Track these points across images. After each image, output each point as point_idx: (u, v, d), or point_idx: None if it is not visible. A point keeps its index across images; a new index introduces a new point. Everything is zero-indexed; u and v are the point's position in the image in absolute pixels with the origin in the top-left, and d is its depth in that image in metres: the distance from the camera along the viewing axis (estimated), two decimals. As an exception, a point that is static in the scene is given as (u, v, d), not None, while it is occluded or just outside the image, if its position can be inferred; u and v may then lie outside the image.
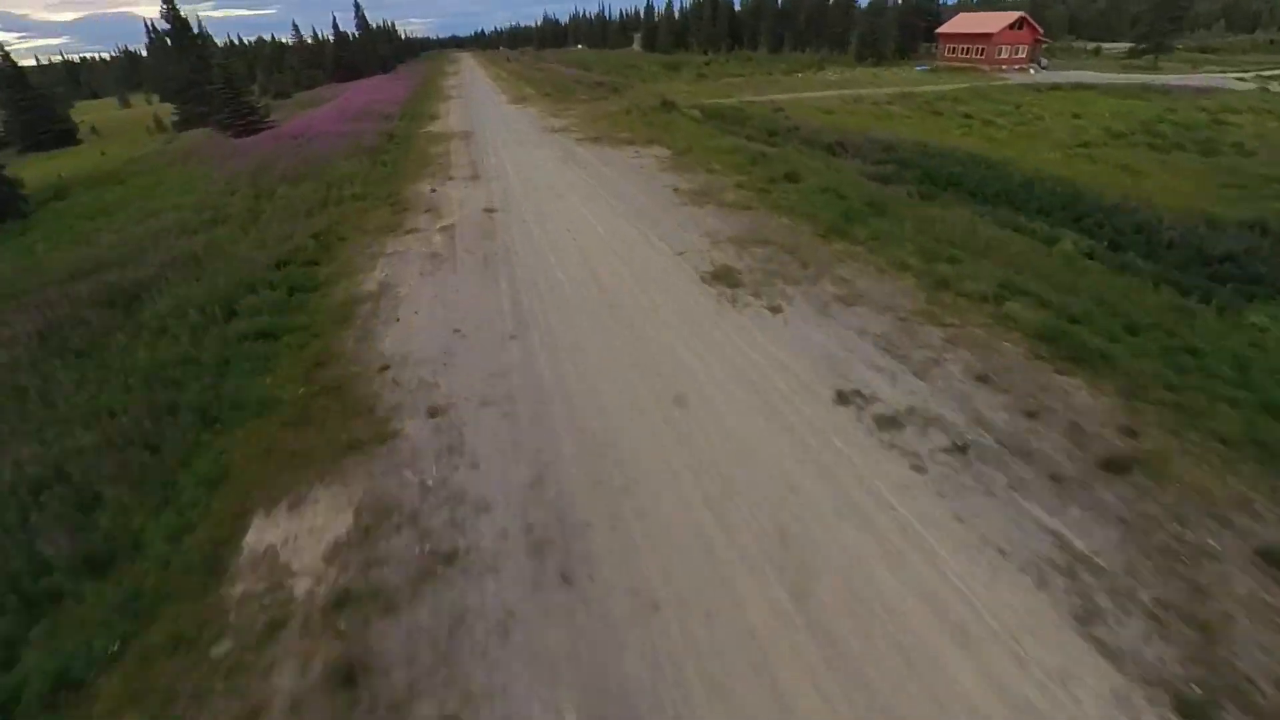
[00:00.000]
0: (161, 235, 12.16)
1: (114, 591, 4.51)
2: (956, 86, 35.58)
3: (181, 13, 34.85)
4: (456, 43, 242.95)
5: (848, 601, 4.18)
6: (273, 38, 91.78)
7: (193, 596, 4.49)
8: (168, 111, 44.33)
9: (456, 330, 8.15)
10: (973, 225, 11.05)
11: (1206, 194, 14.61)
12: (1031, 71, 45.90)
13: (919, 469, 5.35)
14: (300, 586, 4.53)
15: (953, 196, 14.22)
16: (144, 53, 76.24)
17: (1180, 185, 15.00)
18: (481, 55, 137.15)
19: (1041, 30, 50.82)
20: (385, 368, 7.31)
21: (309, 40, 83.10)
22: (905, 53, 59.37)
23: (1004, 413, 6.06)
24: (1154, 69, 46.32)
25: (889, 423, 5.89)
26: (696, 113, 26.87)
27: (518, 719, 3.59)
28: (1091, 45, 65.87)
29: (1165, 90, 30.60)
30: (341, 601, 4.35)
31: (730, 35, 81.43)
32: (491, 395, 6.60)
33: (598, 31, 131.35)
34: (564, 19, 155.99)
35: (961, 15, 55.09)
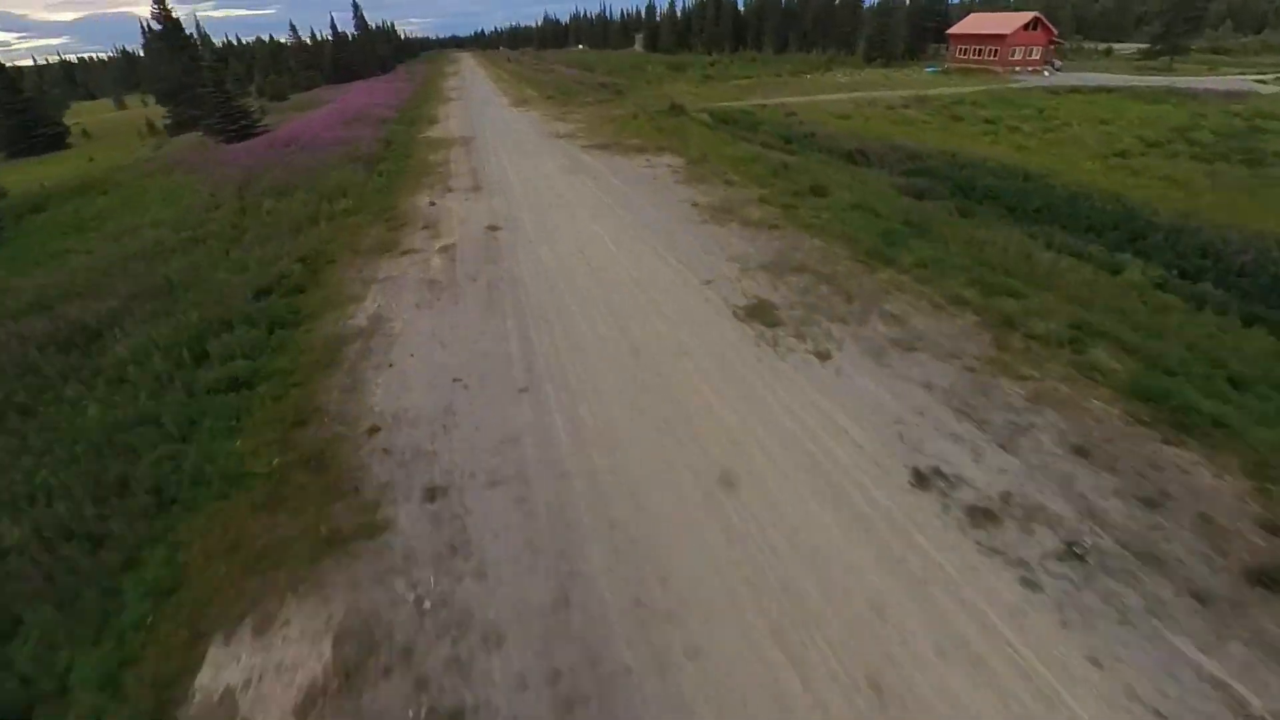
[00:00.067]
0: (135, 258, 11.12)
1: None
2: (972, 89, 34.55)
3: (179, 12, 33.99)
4: (456, 43, 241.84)
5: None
6: (270, 38, 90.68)
7: (119, 779, 3.47)
8: (160, 114, 43.30)
9: (457, 379, 7.12)
10: (1026, 249, 10.03)
11: (1261, 210, 13.60)
12: (1045, 74, 44.87)
13: (1031, 584, 4.32)
14: (259, 764, 3.51)
15: (990, 212, 13.22)
16: (141, 53, 75.24)
17: (1234, 200, 13.96)
18: (481, 55, 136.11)
19: (1056, 31, 49.78)
20: (375, 429, 6.28)
21: (307, 41, 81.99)
22: (914, 53, 58.37)
23: (1117, 500, 5.03)
24: (1169, 70, 45.28)
25: (984, 516, 4.86)
26: (706, 117, 25.86)
27: None
28: (1102, 46, 64.78)
29: (1191, 94, 29.56)
30: (310, 793, 3.33)
31: (734, 35, 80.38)
32: (500, 471, 5.57)
33: (599, 31, 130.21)
34: (565, 19, 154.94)
35: (973, 15, 54.01)
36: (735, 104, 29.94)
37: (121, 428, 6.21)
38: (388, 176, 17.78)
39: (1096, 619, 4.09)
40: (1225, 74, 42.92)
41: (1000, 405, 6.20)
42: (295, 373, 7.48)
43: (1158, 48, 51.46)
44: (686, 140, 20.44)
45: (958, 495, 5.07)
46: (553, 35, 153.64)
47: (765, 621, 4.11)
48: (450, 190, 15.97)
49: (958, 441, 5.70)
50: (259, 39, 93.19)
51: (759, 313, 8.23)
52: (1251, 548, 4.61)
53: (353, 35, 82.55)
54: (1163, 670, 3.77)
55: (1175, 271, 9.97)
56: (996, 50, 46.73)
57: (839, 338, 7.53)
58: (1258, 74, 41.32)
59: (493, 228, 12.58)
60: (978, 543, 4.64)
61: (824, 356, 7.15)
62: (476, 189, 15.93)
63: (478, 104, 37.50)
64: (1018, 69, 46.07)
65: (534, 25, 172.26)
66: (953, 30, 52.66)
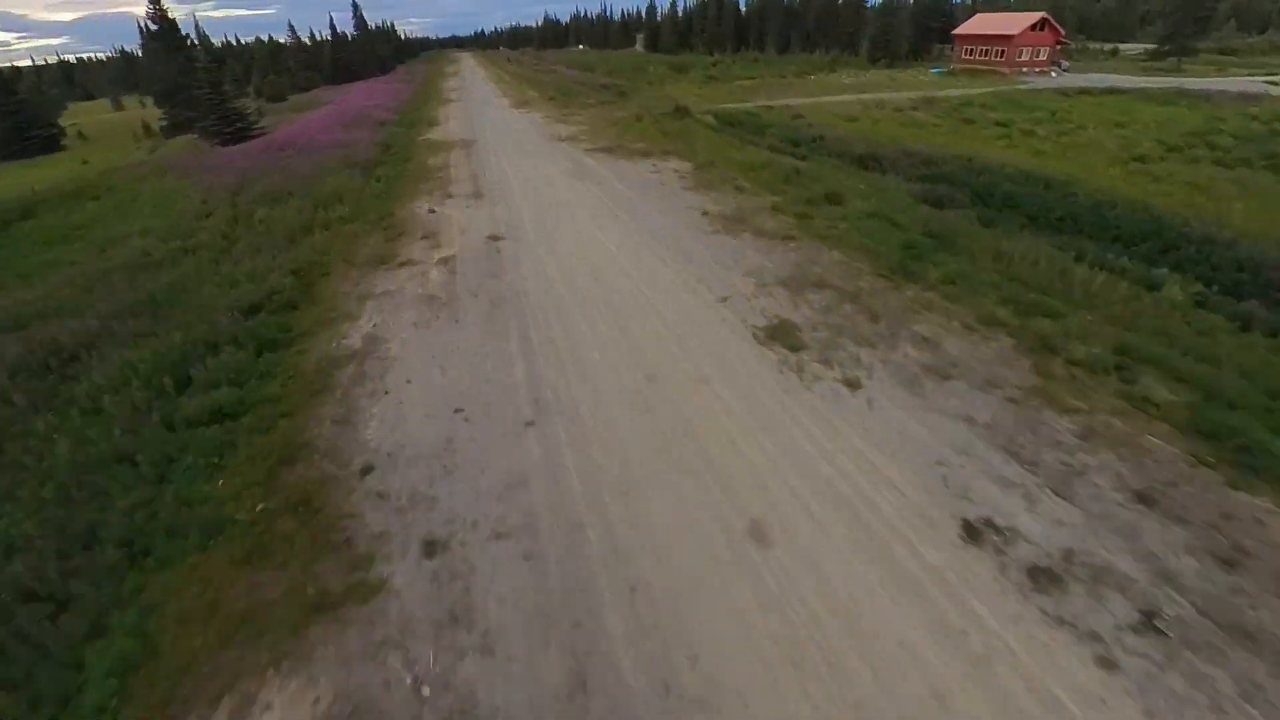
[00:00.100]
0: (119, 271, 10.61)
1: None
2: (980, 90, 34.05)
3: (179, 12, 33.48)
4: (456, 43, 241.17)
5: None
6: (270, 38, 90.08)
7: None
8: (156, 116, 42.78)
9: (458, 410, 6.62)
10: (1058, 263, 9.52)
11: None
12: (1053, 74, 44.37)
13: (1108, 664, 3.82)
14: None
15: (1011, 221, 12.70)
16: (139, 54, 74.63)
17: (1264, 209, 13.46)
18: (481, 56, 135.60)
19: (1063, 32, 49.26)
20: (368, 469, 5.77)
21: (306, 41, 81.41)
22: (918, 54, 57.87)
23: (1191, 559, 4.53)
24: (1178, 71, 44.78)
25: (1046, 578, 4.36)
26: (711, 119, 25.36)
27: None
28: (1108, 46, 64.26)
29: (1204, 96, 29.04)
30: None
31: (736, 36, 79.82)
32: (506, 521, 5.07)
33: (599, 31, 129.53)
34: (565, 19, 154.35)
35: (980, 16, 53.46)
36: (740, 106, 29.42)
37: (93, 467, 5.71)
38: (386, 182, 17.26)
39: (1186, 709, 3.59)
40: (1234, 75, 42.41)
41: (1050, 443, 5.70)
42: (284, 400, 6.98)
43: (1165, 48, 50.91)
44: (692, 144, 19.94)
45: (1015, 552, 4.57)
46: (553, 35, 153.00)
47: (810, 709, 3.61)
48: (450, 196, 15.47)
49: (1008, 487, 5.19)
50: (258, 39, 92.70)
51: (780, 334, 7.72)
52: (1349, 616, 4.11)
53: (352, 35, 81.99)
54: (1271, 775, 3.27)
55: (1215, 288, 9.46)
56: (1003, 51, 46.20)
57: (868, 364, 7.02)
58: (1267, 75, 40.81)
59: (495, 237, 12.08)
60: (1043, 610, 4.14)
61: (854, 385, 6.64)
62: (477, 195, 15.43)
63: (478, 105, 36.98)
64: (1024, 70, 45.56)
65: (534, 25, 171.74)
66: (958, 30, 52.14)
